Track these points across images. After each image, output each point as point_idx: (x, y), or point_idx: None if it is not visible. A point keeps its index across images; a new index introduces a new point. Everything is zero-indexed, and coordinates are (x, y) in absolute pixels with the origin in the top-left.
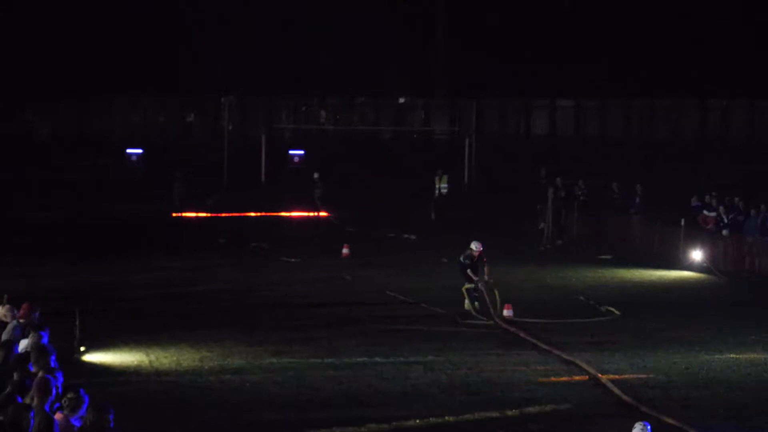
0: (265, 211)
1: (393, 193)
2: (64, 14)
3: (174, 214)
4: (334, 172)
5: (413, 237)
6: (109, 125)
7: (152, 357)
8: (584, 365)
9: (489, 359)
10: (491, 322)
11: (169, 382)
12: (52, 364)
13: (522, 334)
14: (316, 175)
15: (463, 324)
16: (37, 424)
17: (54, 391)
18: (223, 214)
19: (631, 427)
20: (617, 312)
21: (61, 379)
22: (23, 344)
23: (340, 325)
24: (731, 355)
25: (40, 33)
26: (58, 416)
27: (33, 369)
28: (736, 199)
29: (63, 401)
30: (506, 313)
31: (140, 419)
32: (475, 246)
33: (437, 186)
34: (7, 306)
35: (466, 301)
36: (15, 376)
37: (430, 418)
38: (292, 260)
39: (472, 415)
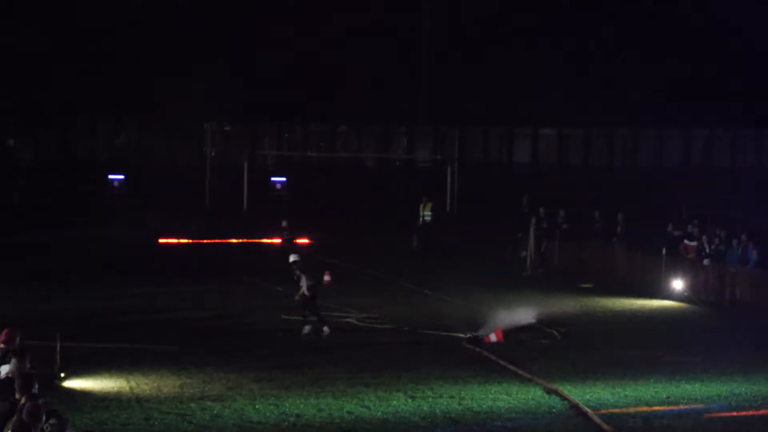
0: (247, 238)
1: (375, 220)
2: (46, 39)
3: (160, 240)
4: (317, 199)
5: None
6: (91, 150)
7: (133, 383)
8: (566, 394)
9: (470, 387)
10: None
11: (150, 408)
12: (35, 391)
13: (503, 362)
14: (284, 223)
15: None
16: None
17: (44, 417)
18: (205, 241)
19: None
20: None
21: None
22: (4, 370)
23: (321, 351)
24: (712, 385)
25: (22, 58)
26: None
27: (17, 396)
28: (717, 230)
29: (45, 427)
30: (493, 338)
31: None
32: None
33: (421, 213)
34: None
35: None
36: None
37: None
38: (267, 284)
39: None
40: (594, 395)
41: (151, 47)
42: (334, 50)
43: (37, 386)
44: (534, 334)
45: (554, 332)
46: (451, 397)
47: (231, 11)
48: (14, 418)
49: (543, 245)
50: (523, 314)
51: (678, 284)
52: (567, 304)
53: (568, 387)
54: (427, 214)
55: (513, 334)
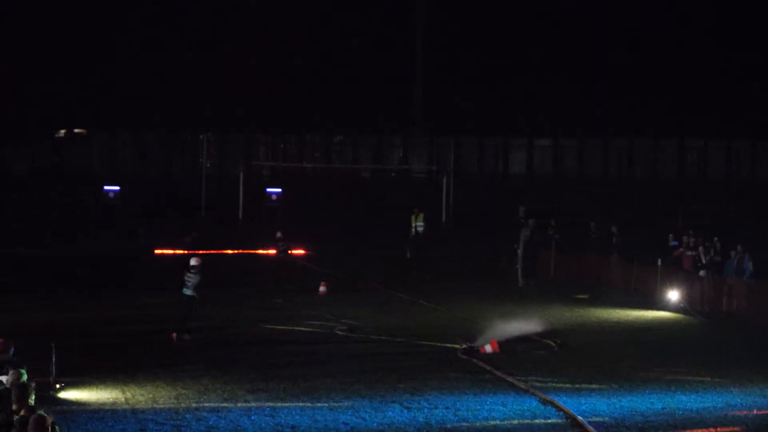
0: (242, 249)
1: (370, 231)
2: (43, 50)
3: (157, 252)
4: (312, 210)
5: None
6: (87, 161)
7: (128, 394)
8: (561, 405)
9: (466, 398)
10: None
11: (146, 419)
12: (32, 402)
13: (499, 373)
14: (279, 234)
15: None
16: None
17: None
18: (201, 251)
19: None
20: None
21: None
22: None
23: (317, 362)
24: (708, 396)
25: (20, 68)
26: None
27: (14, 407)
28: (715, 239)
29: None
30: (488, 349)
31: None
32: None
33: (413, 224)
34: None
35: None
36: None
37: None
38: (262, 295)
39: None
40: (590, 406)
41: (151, 53)
42: (330, 61)
43: (34, 397)
44: (530, 345)
45: (550, 343)
46: (447, 408)
47: (229, 21)
48: (14, 430)
49: (537, 256)
50: (519, 325)
51: (674, 295)
52: (562, 315)
53: (564, 398)
54: (419, 224)
55: (509, 344)
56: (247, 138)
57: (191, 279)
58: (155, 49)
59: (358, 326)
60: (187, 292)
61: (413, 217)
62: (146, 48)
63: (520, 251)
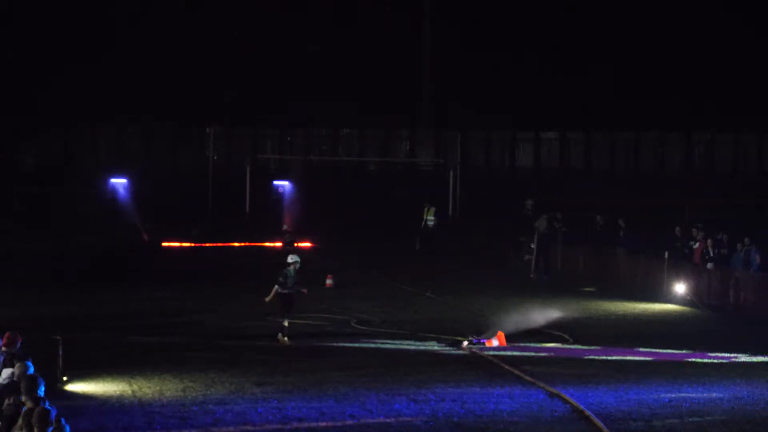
0: (249, 242)
1: (376, 224)
2: (49, 43)
3: (164, 244)
4: (319, 202)
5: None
6: (93, 155)
7: (135, 387)
8: (568, 398)
9: (473, 390)
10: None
11: (152, 412)
12: (41, 394)
13: (505, 366)
14: (285, 227)
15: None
16: None
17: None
18: (208, 244)
19: None
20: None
21: (54, 411)
22: (6, 373)
23: (323, 355)
24: (714, 388)
25: (26, 61)
26: None
27: (23, 399)
28: (724, 235)
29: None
30: (495, 342)
31: None
32: (291, 258)
33: (424, 217)
34: None
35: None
36: (5, 405)
37: None
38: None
39: None
40: (596, 398)
41: (152, 48)
42: (335, 53)
43: (43, 389)
44: (538, 338)
45: (564, 336)
46: (454, 400)
47: (232, 17)
48: (19, 422)
49: (548, 249)
50: (527, 318)
51: (680, 288)
52: (569, 308)
53: (571, 390)
54: (430, 219)
55: (517, 337)
56: (253, 131)
57: (288, 276)
58: (162, 41)
59: (365, 319)
60: (283, 290)
61: (425, 210)
62: (153, 40)
63: (534, 245)
